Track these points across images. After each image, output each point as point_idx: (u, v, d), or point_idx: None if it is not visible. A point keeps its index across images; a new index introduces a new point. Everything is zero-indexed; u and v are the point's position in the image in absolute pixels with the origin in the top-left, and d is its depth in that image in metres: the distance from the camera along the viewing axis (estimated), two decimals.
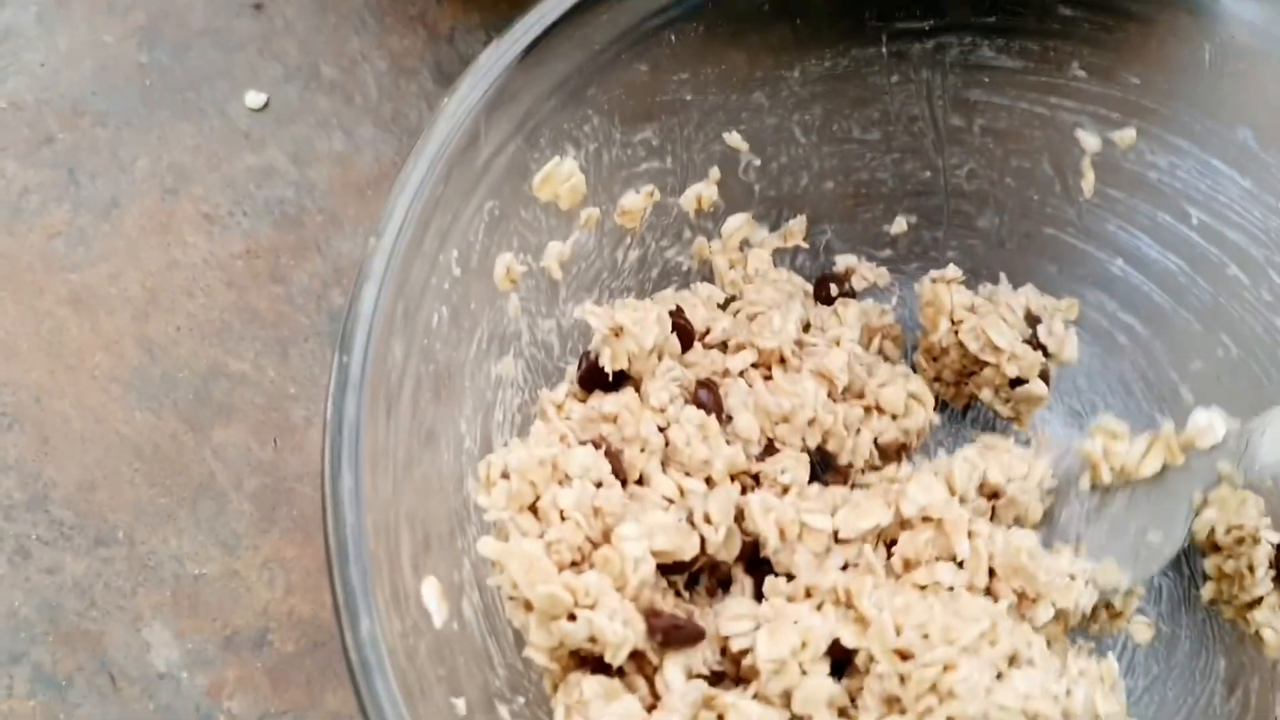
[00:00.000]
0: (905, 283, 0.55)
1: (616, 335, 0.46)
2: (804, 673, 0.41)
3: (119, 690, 0.52)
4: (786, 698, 0.41)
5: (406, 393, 0.39)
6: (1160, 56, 0.47)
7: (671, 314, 0.48)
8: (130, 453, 0.55)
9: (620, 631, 0.39)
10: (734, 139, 0.50)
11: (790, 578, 0.45)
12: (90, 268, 0.58)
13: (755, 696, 0.41)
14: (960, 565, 0.44)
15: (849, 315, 0.51)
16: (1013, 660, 0.41)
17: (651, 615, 0.41)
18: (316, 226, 0.59)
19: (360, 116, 0.61)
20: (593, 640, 0.40)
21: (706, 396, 0.48)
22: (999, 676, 0.40)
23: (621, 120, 0.46)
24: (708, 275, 0.53)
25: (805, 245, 0.55)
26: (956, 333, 0.50)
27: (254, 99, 0.61)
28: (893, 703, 0.40)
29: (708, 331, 0.50)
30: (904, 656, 0.40)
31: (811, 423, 0.47)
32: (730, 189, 0.52)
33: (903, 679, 0.40)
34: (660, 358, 0.48)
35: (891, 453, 0.51)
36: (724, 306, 0.52)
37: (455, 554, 0.41)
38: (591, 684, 0.40)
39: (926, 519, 0.45)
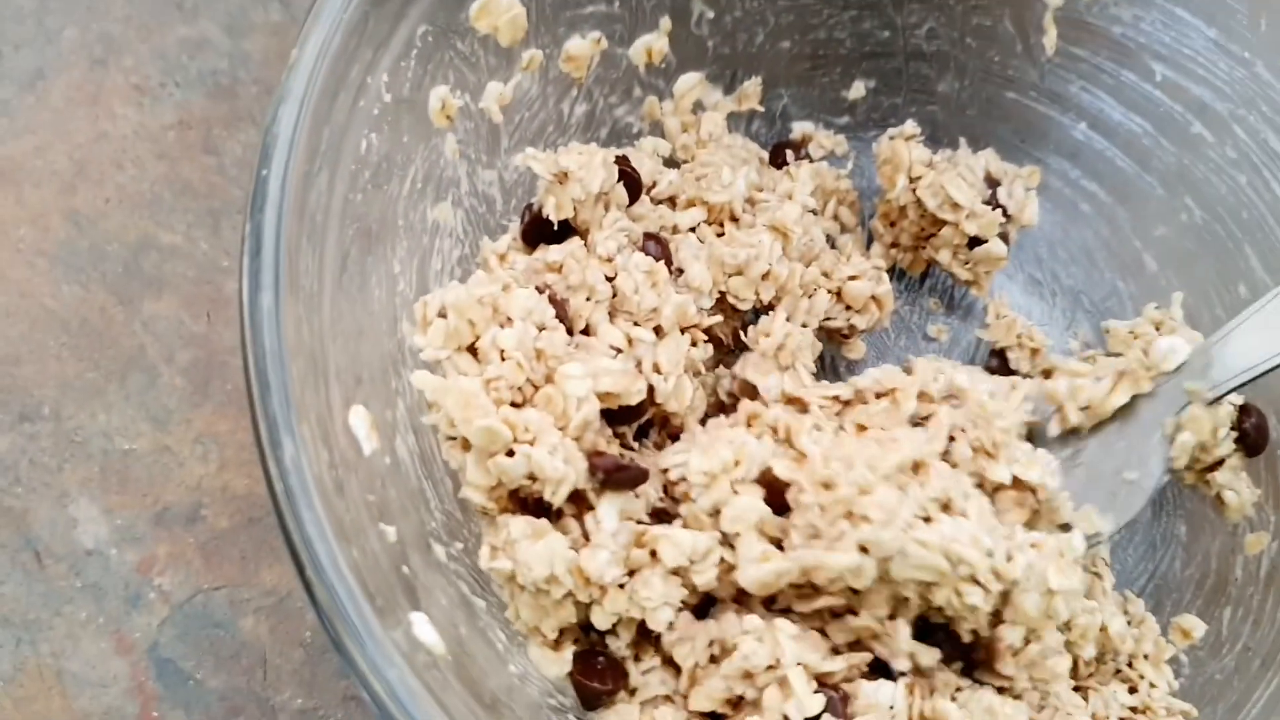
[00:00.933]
0: (864, 150, 0.54)
1: (561, 181, 0.44)
2: (735, 493, 0.40)
3: (44, 568, 0.50)
4: (716, 516, 0.40)
5: (333, 221, 0.37)
6: None
7: (617, 160, 0.46)
8: (57, 326, 0.53)
9: (561, 468, 0.38)
10: None
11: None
12: (14, 140, 0.56)
13: (685, 525, 0.40)
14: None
15: (802, 174, 0.50)
16: (946, 507, 0.39)
17: (594, 455, 0.39)
18: (251, 98, 0.57)
19: None
20: (532, 479, 0.38)
21: (655, 248, 0.46)
22: (927, 520, 0.39)
23: None
24: (660, 135, 0.51)
25: (760, 109, 0.53)
26: (914, 190, 0.49)
27: None
28: (815, 535, 0.39)
29: (654, 185, 0.48)
30: (828, 487, 0.39)
31: (765, 276, 0.46)
32: (682, 43, 0.50)
33: (823, 508, 0.39)
34: (607, 208, 0.46)
35: (836, 337, 0.50)
36: (676, 167, 0.50)
37: (389, 394, 0.39)
38: (519, 524, 0.39)
39: (880, 394, 0.44)
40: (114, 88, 0.57)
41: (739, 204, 0.48)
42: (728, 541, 0.40)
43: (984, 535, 0.39)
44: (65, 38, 0.58)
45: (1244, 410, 0.47)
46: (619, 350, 0.43)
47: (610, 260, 0.45)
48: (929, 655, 0.40)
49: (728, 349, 0.49)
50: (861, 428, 0.44)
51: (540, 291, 0.43)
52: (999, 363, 0.51)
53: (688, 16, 0.49)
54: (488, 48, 0.43)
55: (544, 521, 0.39)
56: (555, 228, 0.45)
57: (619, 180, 0.46)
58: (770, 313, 0.47)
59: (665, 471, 0.41)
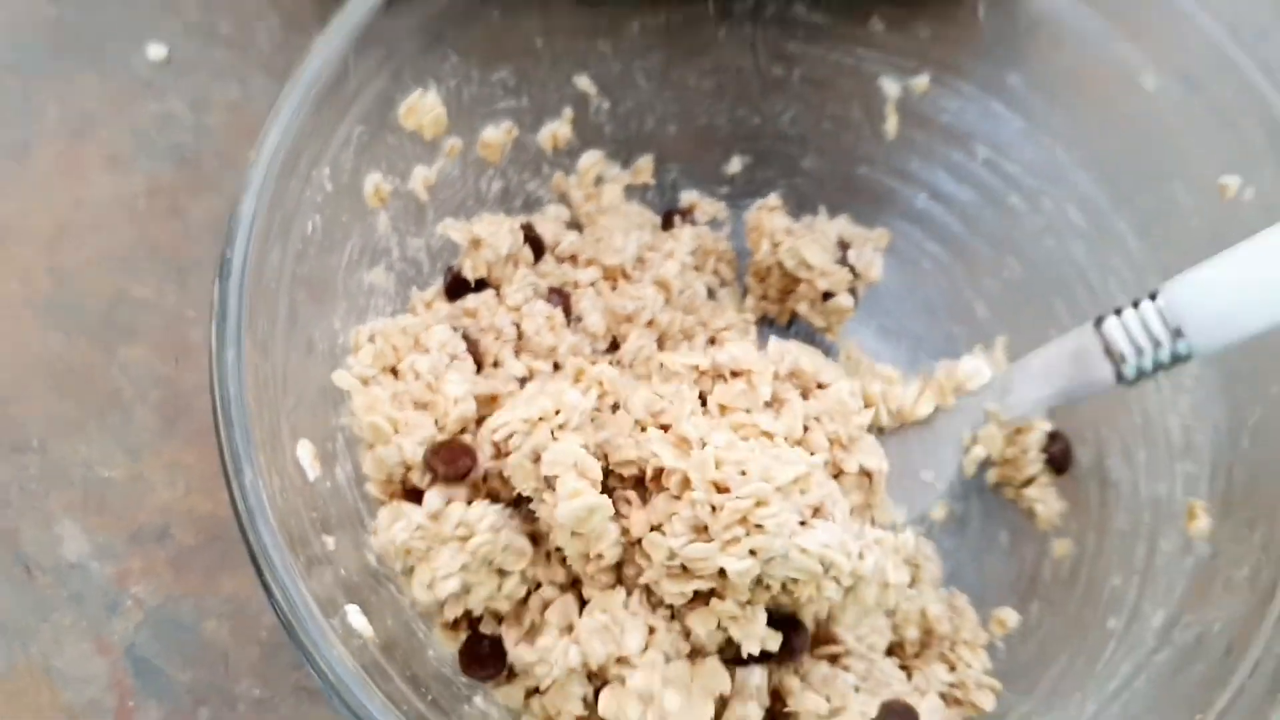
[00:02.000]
0: (741, 216, 0.62)
1: (476, 246, 0.53)
2: (554, 439, 0.45)
3: (34, 579, 0.57)
4: (537, 463, 0.44)
5: (284, 288, 0.46)
6: (945, 13, 0.55)
7: (524, 227, 0.55)
8: (43, 370, 0.61)
9: None
10: (583, 82, 0.57)
11: None
12: (2, 204, 0.64)
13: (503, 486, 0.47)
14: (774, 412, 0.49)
15: (684, 236, 0.58)
16: (817, 511, 0.44)
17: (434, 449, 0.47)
18: (213, 168, 0.65)
19: (254, 68, 0.67)
20: (409, 468, 0.46)
21: (556, 299, 0.55)
22: (802, 523, 0.43)
23: (479, 61, 0.53)
24: (567, 205, 0.60)
25: (653, 182, 0.62)
26: (776, 253, 0.58)
27: (156, 51, 0.67)
28: (701, 530, 0.43)
29: (558, 245, 0.57)
30: (720, 489, 0.43)
31: (650, 324, 0.55)
32: (583, 128, 0.58)
33: (714, 509, 0.43)
34: (516, 266, 0.55)
35: None
36: (579, 230, 0.59)
37: (330, 430, 0.47)
38: (390, 507, 0.46)
39: (736, 373, 0.49)
40: (91, 159, 0.65)
41: (630, 263, 0.57)
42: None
43: (850, 539, 0.44)
44: (48, 114, 0.65)
45: (1052, 436, 0.57)
46: (521, 381, 0.52)
47: (517, 309, 0.54)
48: (774, 640, 0.45)
49: None
50: (724, 408, 0.49)
51: (455, 330, 0.52)
52: None
53: (587, 106, 0.58)
54: (414, 140, 0.52)
55: (404, 502, 0.46)
56: (473, 284, 0.54)
57: (525, 242, 0.55)
58: None
59: (494, 432, 0.46)
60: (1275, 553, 0.46)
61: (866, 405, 0.50)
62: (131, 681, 0.56)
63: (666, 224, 0.61)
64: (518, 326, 0.53)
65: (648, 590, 0.46)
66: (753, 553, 0.42)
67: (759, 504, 0.42)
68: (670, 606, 0.46)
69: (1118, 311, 0.48)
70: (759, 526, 0.42)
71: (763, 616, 0.45)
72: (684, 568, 0.43)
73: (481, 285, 0.54)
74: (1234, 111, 0.50)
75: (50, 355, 0.61)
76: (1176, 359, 0.47)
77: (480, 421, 0.48)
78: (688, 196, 0.62)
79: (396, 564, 0.46)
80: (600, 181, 0.60)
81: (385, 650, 0.42)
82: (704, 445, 0.45)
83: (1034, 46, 0.55)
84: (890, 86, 0.58)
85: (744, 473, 0.43)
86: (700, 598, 0.45)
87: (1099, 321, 0.49)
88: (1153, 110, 0.52)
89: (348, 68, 0.47)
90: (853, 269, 0.58)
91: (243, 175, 0.45)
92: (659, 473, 0.45)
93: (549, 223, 0.58)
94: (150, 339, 0.62)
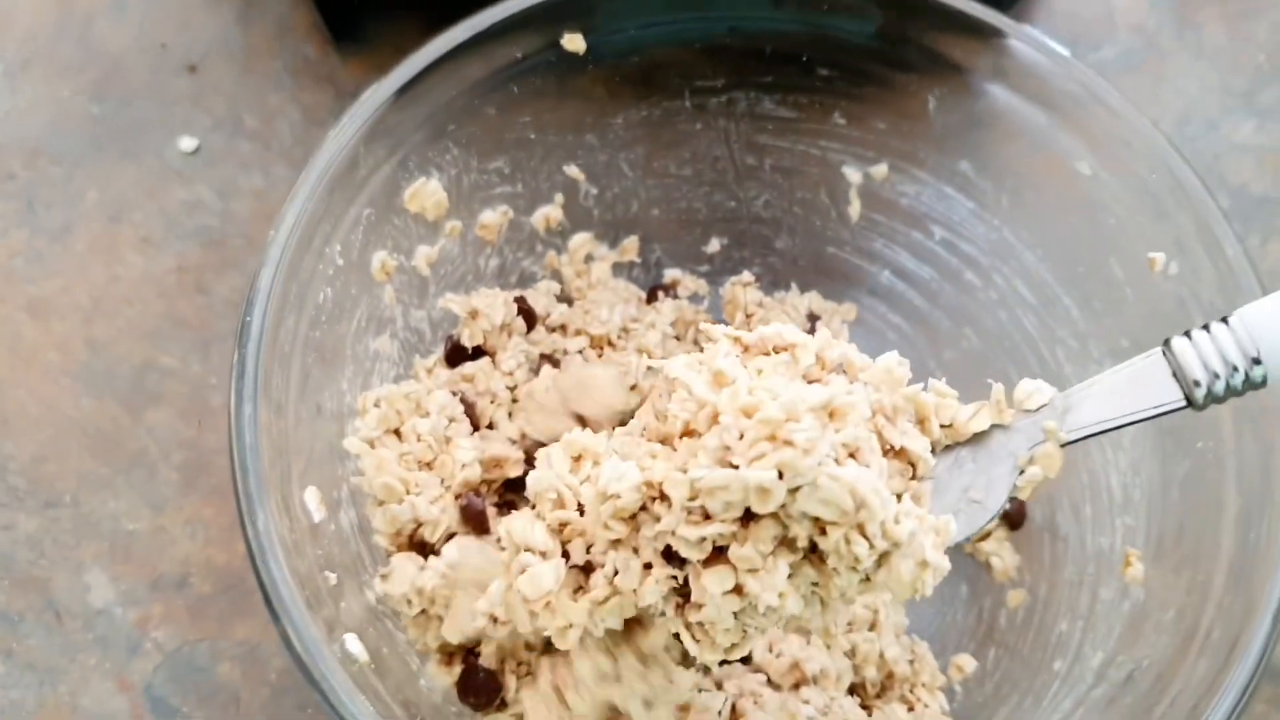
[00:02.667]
0: (719, 291, 0.67)
1: (473, 317, 0.59)
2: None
3: (63, 624, 0.62)
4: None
5: (297, 352, 0.51)
6: (899, 108, 0.61)
7: (517, 300, 0.60)
8: (76, 431, 0.66)
9: (437, 514, 0.51)
10: (573, 171, 0.63)
11: None
12: (45, 281, 0.69)
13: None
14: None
15: (664, 308, 0.64)
16: (854, 455, 0.41)
17: (464, 506, 0.53)
18: (236, 249, 0.71)
19: (276, 159, 0.73)
20: (419, 524, 0.51)
21: (549, 366, 0.60)
22: (836, 462, 0.40)
23: (477, 152, 0.59)
24: (559, 281, 0.65)
25: (639, 260, 0.67)
26: (750, 325, 0.63)
27: (187, 144, 0.73)
28: (726, 457, 0.39)
29: (549, 316, 0.62)
30: (748, 414, 0.39)
31: (633, 387, 0.59)
32: (573, 212, 0.64)
33: (742, 435, 0.39)
34: (510, 335, 0.60)
35: None
36: (569, 304, 0.65)
37: (335, 478, 0.52)
38: (401, 557, 0.52)
39: (779, 349, 0.45)
40: (126, 240, 0.71)
41: (614, 332, 0.62)
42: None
43: (885, 490, 0.40)
44: (88, 199, 0.72)
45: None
46: (514, 440, 0.57)
47: (511, 374, 0.59)
48: (795, 603, 0.41)
49: None
50: (760, 373, 0.44)
51: (454, 394, 0.57)
52: None
53: (577, 192, 0.64)
54: (418, 221, 0.58)
55: (414, 554, 0.52)
56: (470, 352, 0.59)
57: (519, 314, 0.61)
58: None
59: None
60: (1197, 595, 0.50)
61: (919, 420, 0.47)
62: (150, 718, 0.60)
63: (651, 298, 0.67)
64: (511, 391, 0.58)
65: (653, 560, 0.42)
66: (780, 474, 0.38)
67: (789, 418, 0.39)
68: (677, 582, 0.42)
69: (1186, 334, 0.46)
70: (788, 443, 0.38)
71: (784, 569, 0.40)
72: (704, 511, 0.39)
73: (479, 353, 0.59)
74: (1162, 197, 0.55)
75: (83, 418, 0.66)
76: (1251, 385, 0.45)
77: (484, 484, 0.53)
78: (671, 273, 0.68)
79: (412, 607, 0.51)
80: (590, 259, 0.66)
81: (379, 675, 0.47)
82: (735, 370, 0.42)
83: (981, 137, 0.60)
84: (853, 174, 0.63)
85: (775, 397, 0.40)
86: (717, 555, 0.40)
87: (1167, 343, 0.46)
88: (1089, 195, 0.57)
89: (358, 157, 0.53)
90: None
91: (263, 249, 0.50)
92: (687, 429, 0.42)
93: (541, 296, 0.63)
94: (175, 404, 0.67)
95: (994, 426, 0.48)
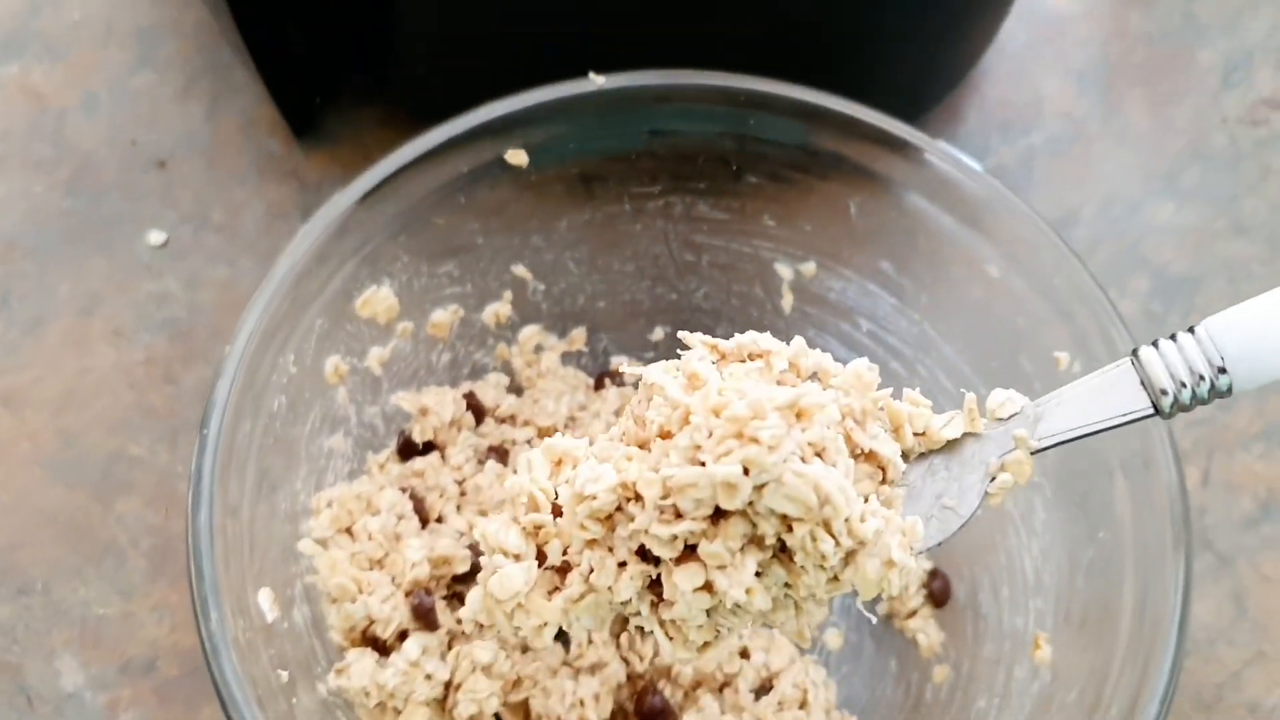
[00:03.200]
0: None
1: (423, 414, 0.62)
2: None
3: (34, 708, 0.65)
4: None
5: (253, 458, 0.54)
6: (823, 211, 0.65)
7: (466, 396, 0.64)
8: (48, 520, 0.69)
9: (389, 612, 0.54)
10: (520, 270, 0.66)
11: None
12: (18, 373, 0.73)
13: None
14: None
15: (610, 395, 0.67)
16: (820, 454, 0.41)
17: (415, 605, 0.56)
18: (203, 339, 0.74)
19: (241, 252, 0.77)
20: (372, 621, 0.54)
21: (496, 457, 0.63)
22: (801, 459, 0.40)
23: (427, 258, 0.62)
24: (509, 372, 0.69)
25: (586, 349, 0.71)
26: None
27: (156, 238, 0.77)
28: (696, 456, 0.40)
29: (498, 408, 0.65)
30: (717, 414, 0.40)
31: None
32: (522, 307, 0.68)
33: (710, 433, 0.39)
34: (459, 429, 0.63)
35: None
36: (519, 393, 0.68)
37: (289, 576, 0.55)
38: (355, 653, 0.55)
39: (755, 355, 0.46)
40: (97, 332, 0.74)
41: (561, 422, 0.66)
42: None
43: (851, 490, 0.41)
44: (60, 292, 0.75)
45: (932, 573, 0.65)
46: (463, 533, 0.60)
47: (460, 469, 0.62)
48: (763, 599, 0.41)
49: None
50: (730, 377, 0.44)
51: (404, 491, 0.60)
52: None
53: (525, 289, 0.67)
54: (370, 325, 0.61)
55: (369, 650, 0.55)
56: (421, 447, 0.63)
57: (468, 409, 0.64)
58: None
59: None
60: (1097, 677, 0.53)
61: (894, 427, 0.47)
62: None
63: (598, 385, 0.70)
64: (460, 485, 0.61)
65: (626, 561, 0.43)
66: (746, 470, 0.39)
67: (755, 416, 0.39)
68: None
69: (1154, 344, 0.46)
70: (754, 440, 0.39)
71: (752, 565, 0.41)
72: (676, 510, 0.40)
73: (430, 447, 0.63)
74: (1065, 299, 0.59)
75: (54, 507, 0.69)
76: (1217, 394, 0.46)
77: (434, 579, 0.57)
78: (617, 360, 0.71)
79: (369, 699, 0.54)
80: (539, 350, 0.69)
81: None
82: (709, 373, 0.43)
83: (899, 239, 0.64)
84: (784, 270, 0.67)
85: (743, 395, 0.40)
86: (689, 554, 0.41)
87: (1135, 353, 0.47)
88: (999, 295, 0.61)
89: (310, 272, 0.56)
90: None
91: (219, 362, 0.54)
92: (662, 431, 0.42)
93: (490, 389, 0.67)
94: (143, 492, 0.70)
95: (967, 435, 0.48)
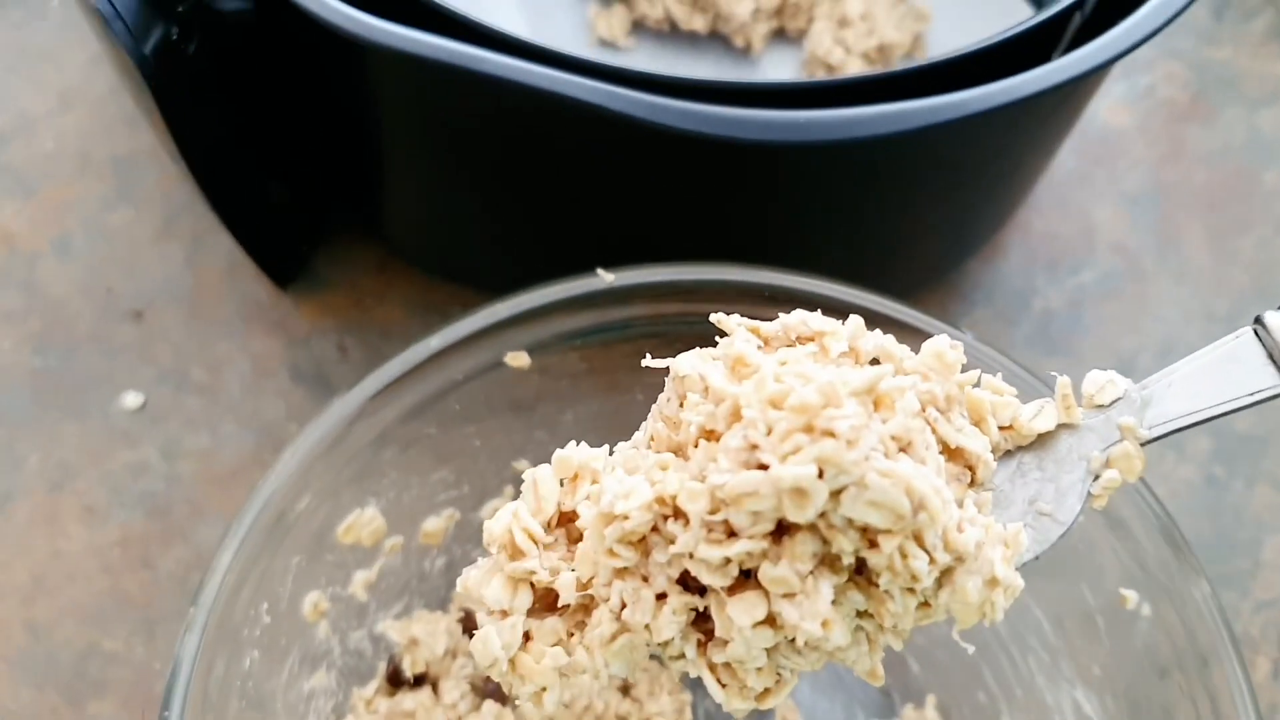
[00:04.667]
0: None
1: (413, 645, 0.56)
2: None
3: None
4: None
5: None
6: None
7: (461, 620, 0.58)
8: None
9: None
10: (522, 464, 0.60)
11: None
12: None
13: None
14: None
15: None
16: (905, 449, 0.34)
17: None
18: (182, 516, 0.68)
19: (224, 414, 0.71)
20: None
21: (493, 688, 0.57)
22: (884, 455, 0.33)
23: (418, 471, 0.56)
24: None
25: None
26: None
27: (132, 400, 0.71)
28: (752, 456, 0.33)
29: None
30: (776, 406, 0.33)
31: (587, 708, 0.57)
32: None
33: (770, 429, 0.32)
34: (455, 657, 0.58)
35: None
36: None
37: None
38: None
39: (806, 338, 0.38)
40: (68, 510, 0.69)
41: None
42: None
43: (945, 489, 0.34)
44: (29, 464, 0.70)
45: None
46: None
47: (454, 706, 0.56)
48: (842, 634, 0.34)
49: None
50: (783, 364, 0.37)
51: None
52: None
53: None
54: (354, 551, 0.55)
55: None
56: (411, 680, 0.57)
57: (465, 633, 0.58)
58: None
59: None
60: None
61: (974, 421, 0.40)
62: None
63: None
64: None
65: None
66: (820, 472, 0.31)
67: (829, 404, 0.32)
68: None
69: None
70: (828, 433, 0.32)
71: (828, 591, 0.33)
72: (727, 527, 0.33)
73: (420, 679, 0.57)
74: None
75: (22, 711, 0.64)
76: None
77: None
78: None
79: None
80: None
81: None
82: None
83: None
84: None
85: (806, 379, 0.33)
86: (744, 581, 0.34)
87: (1259, 320, 0.41)
88: None
89: (284, 510, 0.50)
90: None
91: (182, 628, 0.48)
92: (704, 432, 0.35)
93: None
94: (119, 692, 0.65)
95: (1061, 427, 0.41)
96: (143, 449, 0.70)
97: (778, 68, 0.78)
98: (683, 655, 0.36)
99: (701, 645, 0.36)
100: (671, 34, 0.79)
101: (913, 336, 0.53)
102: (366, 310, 0.74)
